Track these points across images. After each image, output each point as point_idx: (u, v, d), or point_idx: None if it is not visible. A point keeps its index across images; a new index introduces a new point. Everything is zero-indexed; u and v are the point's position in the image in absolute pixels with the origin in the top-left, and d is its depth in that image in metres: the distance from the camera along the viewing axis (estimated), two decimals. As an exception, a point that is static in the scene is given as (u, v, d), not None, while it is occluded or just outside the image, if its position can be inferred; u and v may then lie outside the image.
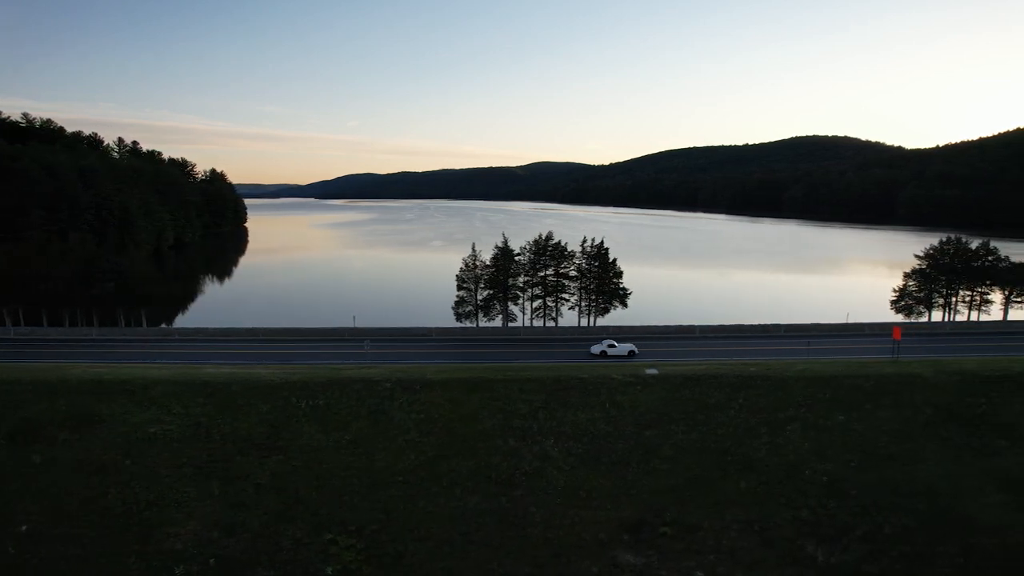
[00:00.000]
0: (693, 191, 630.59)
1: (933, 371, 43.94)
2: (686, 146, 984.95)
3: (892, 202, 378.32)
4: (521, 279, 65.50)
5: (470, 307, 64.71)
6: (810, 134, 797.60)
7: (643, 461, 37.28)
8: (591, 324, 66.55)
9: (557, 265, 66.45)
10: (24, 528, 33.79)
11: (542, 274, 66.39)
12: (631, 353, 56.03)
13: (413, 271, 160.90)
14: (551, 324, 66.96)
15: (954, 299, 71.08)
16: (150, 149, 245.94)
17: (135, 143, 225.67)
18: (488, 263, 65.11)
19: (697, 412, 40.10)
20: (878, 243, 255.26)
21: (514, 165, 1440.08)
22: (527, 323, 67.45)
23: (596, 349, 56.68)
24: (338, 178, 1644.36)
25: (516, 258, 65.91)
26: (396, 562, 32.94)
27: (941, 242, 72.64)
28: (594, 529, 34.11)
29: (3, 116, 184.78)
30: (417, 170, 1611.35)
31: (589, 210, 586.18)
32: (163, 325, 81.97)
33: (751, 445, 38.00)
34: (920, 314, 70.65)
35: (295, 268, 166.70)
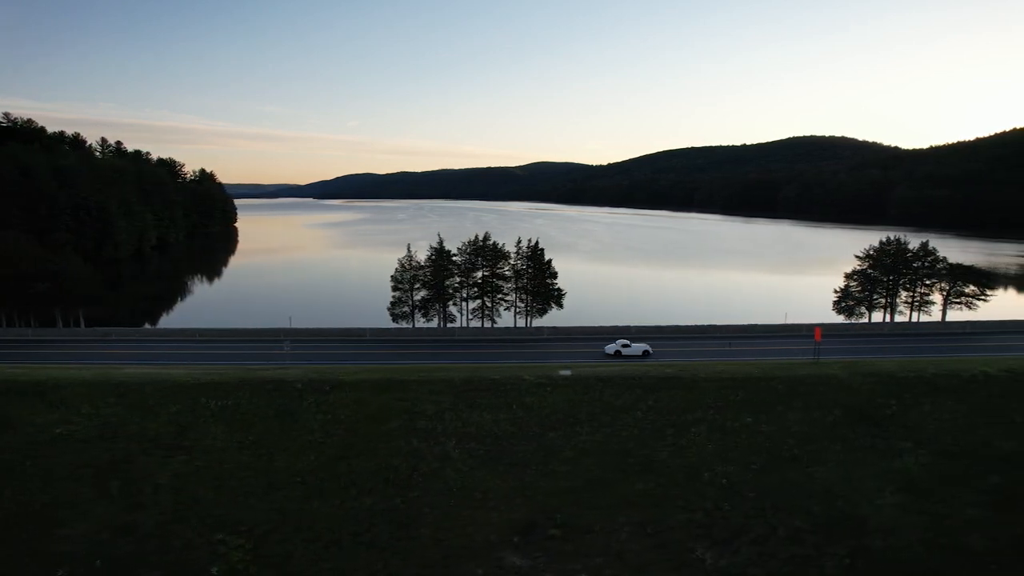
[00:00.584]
0: (690, 191, 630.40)
1: (849, 372, 43.79)
2: (686, 146, 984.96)
3: (884, 202, 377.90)
4: (456, 280, 65.35)
5: (406, 308, 64.64)
6: (808, 134, 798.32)
7: (543, 463, 37.15)
8: (528, 325, 66.45)
9: (492, 266, 66.35)
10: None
11: (477, 275, 66.29)
12: (645, 353, 55.61)
13: (381, 271, 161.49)
14: (489, 325, 66.82)
15: (895, 300, 70.82)
16: (136, 149, 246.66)
17: (119, 143, 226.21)
18: (423, 264, 65.05)
19: (604, 414, 39.99)
20: (861, 243, 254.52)
21: (513, 165, 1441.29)
22: (465, 324, 67.34)
23: (610, 349, 56.03)
24: (337, 178, 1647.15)
25: (452, 259, 65.82)
26: (284, 562, 32.81)
27: (882, 242, 72.37)
28: (485, 531, 33.98)
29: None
30: (416, 170, 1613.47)
31: (584, 210, 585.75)
32: (122, 327, 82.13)
33: (654, 447, 37.88)
34: (861, 315, 70.39)
35: (266, 269, 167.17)
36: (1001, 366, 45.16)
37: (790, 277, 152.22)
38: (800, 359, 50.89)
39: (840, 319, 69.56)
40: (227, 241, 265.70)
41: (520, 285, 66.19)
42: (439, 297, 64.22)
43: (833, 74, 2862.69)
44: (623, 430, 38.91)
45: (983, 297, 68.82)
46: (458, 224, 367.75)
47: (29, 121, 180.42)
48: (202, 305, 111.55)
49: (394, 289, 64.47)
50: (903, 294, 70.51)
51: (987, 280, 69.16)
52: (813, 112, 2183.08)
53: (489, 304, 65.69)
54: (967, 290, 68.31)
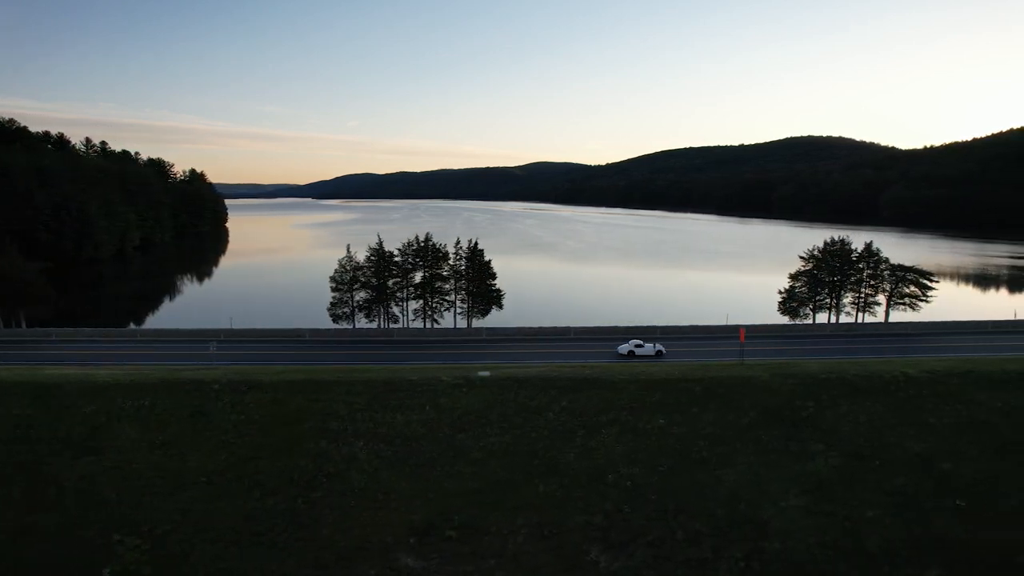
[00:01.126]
0: (687, 191, 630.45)
1: (771, 374, 43.66)
2: (685, 146, 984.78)
3: (878, 203, 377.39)
4: (392, 281, 65.24)
5: (346, 308, 64.61)
6: (806, 134, 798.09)
7: (449, 464, 37.09)
8: (468, 326, 66.37)
9: (431, 267, 66.29)
10: None
11: (417, 275, 66.25)
12: (659, 353, 55.47)
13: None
14: (431, 326, 66.71)
15: (839, 301, 70.57)
16: (124, 149, 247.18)
17: (104, 143, 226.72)
18: (362, 264, 65.00)
19: (516, 415, 39.91)
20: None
21: (512, 165, 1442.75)
22: (406, 325, 67.20)
23: (623, 349, 55.85)
24: (336, 178, 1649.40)
25: (393, 259, 65.76)
26: (181, 562, 32.78)
27: (826, 243, 72.12)
28: (383, 532, 33.92)
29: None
30: (416, 170, 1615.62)
31: (579, 210, 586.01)
32: (65, 327, 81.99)
33: (561, 448, 37.80)
34: (805, 316, 70.16)
35: (239, 270, 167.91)
36: (924, 367, 45.02)
37: (759, 277, 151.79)
38: (726, 361, 50.71)
39: (785, 319, 69.37)
40: (215, 241, 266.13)
41: (459, 286, 66.17)
42: (379, 298, 64.21)
43: (833, 74, 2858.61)
44: (533, 431, 38.82)
45: (924, 298, 68.63)
46: (449, 224, 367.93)
47: (11, 121, 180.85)
48: (161, 306, 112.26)
49: (334, 290, 64.44)
50: (849, 295, 70.31)
51: (929, 281, 68.88)
52: (813, 112, 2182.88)
53: (430, 305, 65.68)
54: (907, 290, 68.12)
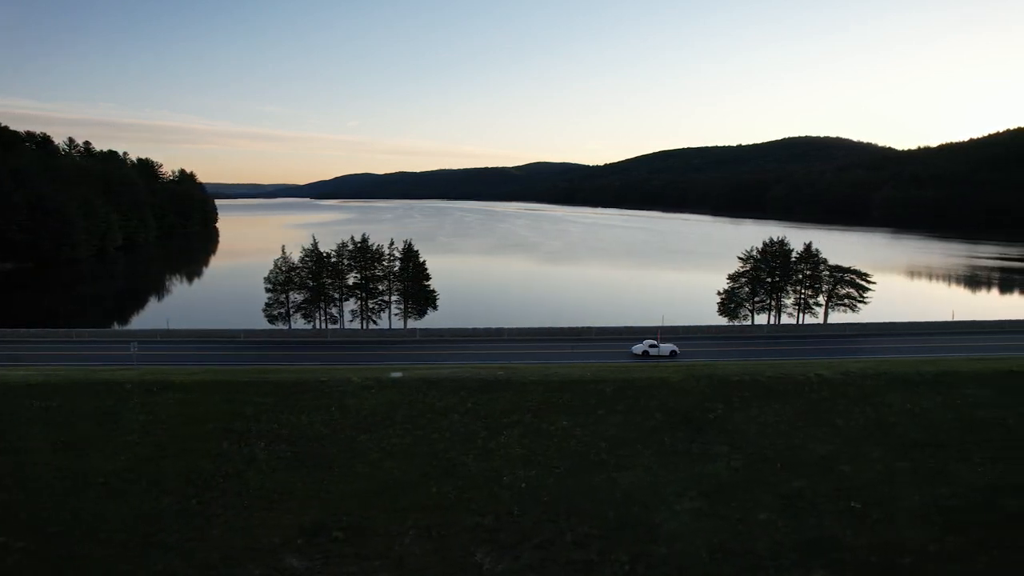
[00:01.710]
0: (682, 192, 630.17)
1: (684, 375, 43.56)
2: (685, 146, 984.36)
3: (870, 203, 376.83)
4: (327, 281, 65.11)
5: (281, 309, 64.56)
6: (803, 135, 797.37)
7: (347, 465, 37.06)
8: (404, 327, 66.28)
9: (365, 268, 66.19)
10: None
11: (349, 277, 66.17)
12: (672, 353, 55.32)
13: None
14: (370, 326, 66.55)
15: (779, 302, 70.33)
16: (111, 149, 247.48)
17: (87, 143, 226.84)
18: (296, 265, 64.92)
19: (421, 416, 39.88)
20: (832, 245, 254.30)
21: (511, 165, 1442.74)
22: (343, 325, 67.00)
23: (638, 349, 55.65)
24: (335, 178, 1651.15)
25: (329, 260, 65.64)
26: (65, 564, 32.69)
27: (765, 243, 71.88)
28: (273, 533, 33.85)
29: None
30: (415, 170, 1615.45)
31: (574, 210, 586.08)
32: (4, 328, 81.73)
33: (461, 450, 37.75)
34: (745, 317, 69.93)
35: (213, 270, 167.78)
36: (840, 369, 44.94)
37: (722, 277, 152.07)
38: (646, 362, 50.58)
39: (723, 320, 69.07)
40: (205, 241, 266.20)
41: (393, 287, 66.10)
42: (315, 299, 64.16)
43: (833, 74, 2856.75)
44: (435, 433, 38.78)
45: (861, 299, 68.38)
46: (438, 224, 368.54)
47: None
48: (121, 306, 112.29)
49: (268, 291, 64.38)
50: (792, 296, 70.10)
51: (866, 281, 68.58)
52: (812, 112, 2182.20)
53: (374, 305, 65.57)
54: (842, 292, 67.93)
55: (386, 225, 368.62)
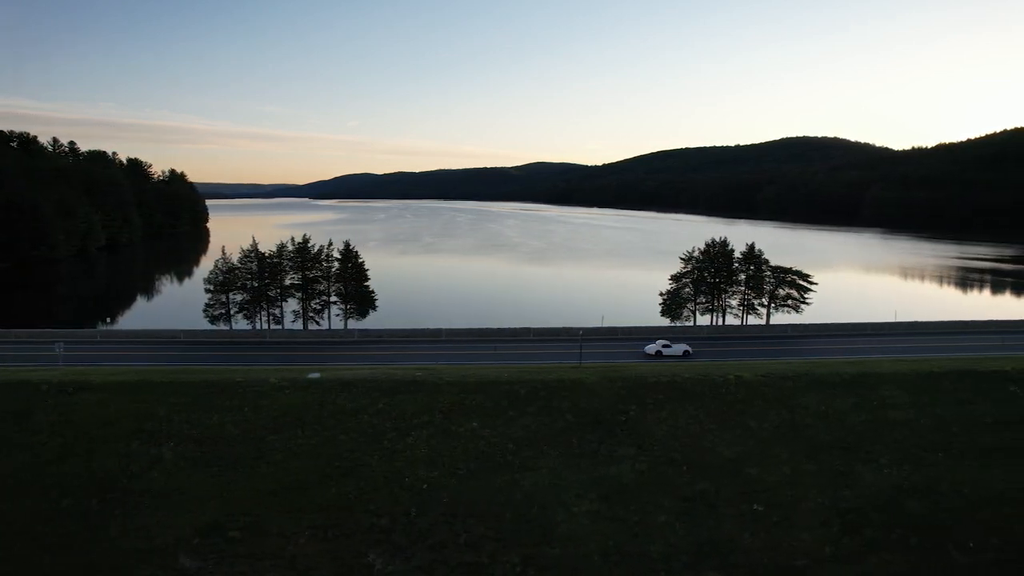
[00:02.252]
0: (678, 192, 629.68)
1: (600, 377, 43.52)
2: (684, 146, 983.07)
3: (861, 203, 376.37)
4: (266, 282, 65.10)
5: (222, 310, 64.54)
6: (802, 135, 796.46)
7: (252, 465, 37.07)
8: (344, 327, 66.28)
9: (304, 268, 66.16)
10: None
11: (292, 277, 66.15)
12: (686, 353, 55.54)
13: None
14: (313, 327, 66.54)
15: (723, 303, 70.20)
16: (100, 149, 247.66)
17: (72, 143, 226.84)
18: (237, 265, 64.88)
19: (331, 417, 39.89)
20: (817, 245, 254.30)
21: (509, 166, 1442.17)
22: (286, 326, 66.92)
23: (651, 349, 55.89)
24: (335, 178, 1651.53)
25: (269, 261, 65.61)
26: (-49, 567, 32.81)
27: (707, 244, 71.71)
28: (170, 532, 33.86)
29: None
30: (414, 170, 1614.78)
31: (568, 211, 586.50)
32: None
33: (366, 451, 37.75)
34: (687, 318, 69.79)
35: (194, 269, 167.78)
36: (761, 371, 44.85)
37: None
38: (564, 363, 50.40)
39: (665, 321, 68.96)
40: (191, 242, 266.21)
41: (331, 288, 66.07)
42: (256, 299, 64.14)
43: (833, 74, 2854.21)
44: (343, 434, 38.78)
45: (802, 300, 68.26)
46: (428, 224, 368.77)
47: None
48: (83, 307, 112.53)
49: (209, 291, 64.34)
50: (737, 297, 69.93)
51: (807, 283, 68.38)
52: (812, 112, 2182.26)
53: (308, 307, 65.53)
54: (783, 292, 67.81)
55: (376, 225, 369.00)
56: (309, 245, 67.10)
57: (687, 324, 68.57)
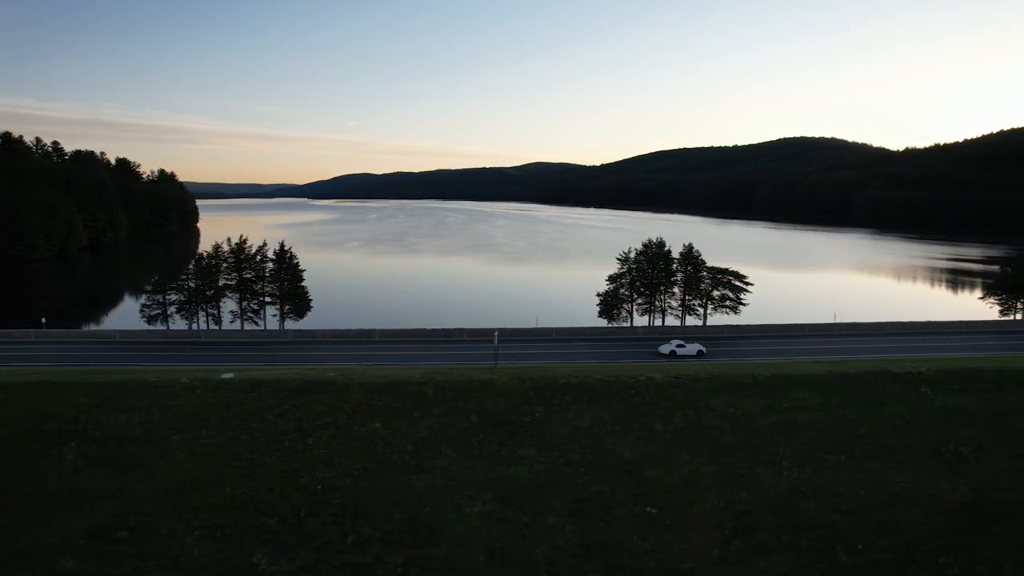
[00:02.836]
0: (674, 192, 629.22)
1: (511, 378, 43.59)
2: (683, 147, 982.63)
3: (853, 204, 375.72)
4: (200, 282, 65.29)
5: (158, 310, 64.72)
6: (801, 135, 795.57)
7: (151, 465, 37.15)
8: (281, 327, 66.42)
9: (240, 269, 66.33)
10: None
11: (224, 278, 66.38)
12: (700, 353, 56.03)
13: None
14: (252, 327, 66.73)
15: (663, 303, 70.12)
16: (89, 149, 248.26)
17: (56, 143, 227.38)
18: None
19: (236, 417, 40.00)
20: (806, 246, 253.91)
21: (509, 166, 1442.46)
22: (222, 326, 67.01)
23: (665, 349, 56.52)
24: (334, 178, 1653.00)
25: (202, 261, 65.81)
26: None
27: (644, 244, 71.63)
28: (58, 534, 33.89)
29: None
30: (413, 170, 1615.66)
31: (562, 211, 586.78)
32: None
33: (266, 451, 37.83)
34: (624, 319, 69.72)
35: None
36: (674, 371, 44.87)
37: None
38: (479, 365, 50.43)
39: (602, 322, 68.89)
40: (180, 242, 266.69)
41: (266, 288, 66.26)
42: (191, 299, 64.35)
43: (833, 74, 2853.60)
44: (245, 434, 38.87)
45: (737, 300, 68.19)
46: (417, 224, 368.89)
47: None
48: (43, 306, 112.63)
49: (147, 291, 64.48)
50: (677, 297, 69.84)
51: (743, 283, 68.33)
52: (812, 112, 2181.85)
53: (245, 307, 65.72)
54: (717, 293, 67.80)
55: (366, 225, 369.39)
56: (246, 246, 67.25)
57: (624, 325, 68.62)
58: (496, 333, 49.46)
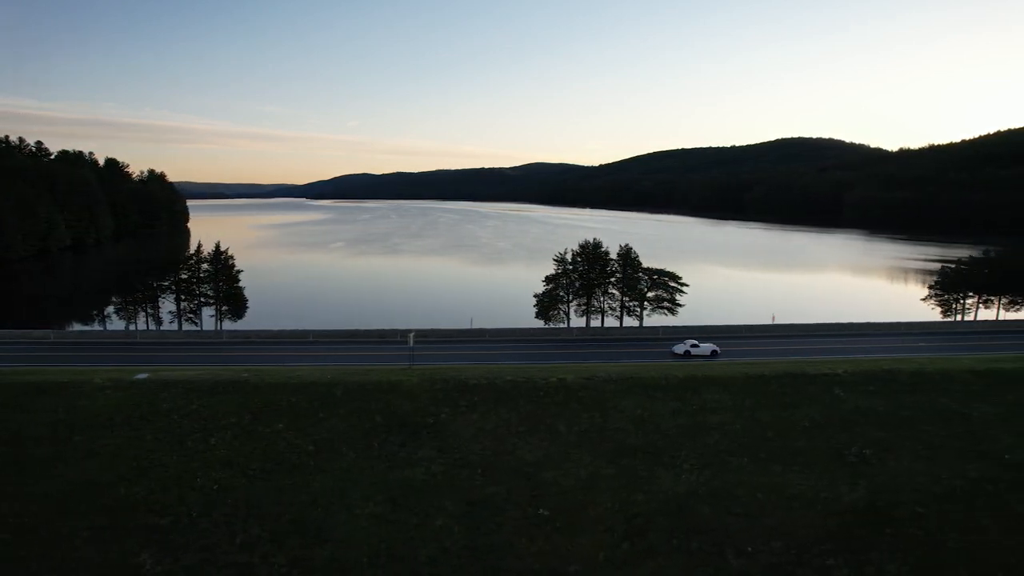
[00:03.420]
0: (670, 192, 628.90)
1: (422, 379, 43.65)
2: (682, 147, 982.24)
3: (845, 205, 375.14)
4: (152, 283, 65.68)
5: (94, 310, 65.02)
6: (800, 136, 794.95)
7: (48, 466, 37.12)
8: (218, 328, 66.63)
9: (176, 270, 66.60)
10: None
11: (166, 279, 66.78)
12: (713, 353, 56.32)
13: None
14: (191, 327, 67.08)
15: (600, 304, 70.04)
16: (67, 149, 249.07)
17: (39, 142, 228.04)
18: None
19: (142, 418, 40.14)
20: (798, 246, 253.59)
21: (507, 166, 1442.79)
22: (161, 326, 67.20)
23: (679, 349, 56.93)
24: (334, 178, 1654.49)
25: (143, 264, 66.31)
26: None
27: (581, 245, 71.57)
28: (-50, 535, 34.03)
29: None
30: (413, 170, 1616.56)
31: (558, 211, 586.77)
32: None
33: (167, 451, 37.89)
34: (560, 319, 69.68)
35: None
36: (587, 373, 44.85)
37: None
38: (396, 366, 50.47)
39: (539, 323, 68.89)
40: (168, 242, 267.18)
41: (199, 288, 66.46)
42: (132, 300, 64.58)
43: (832, 74, 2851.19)
44: (148, 434, 38.93)
45: (673, 301, 68.16)
46: (407, 225, 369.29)
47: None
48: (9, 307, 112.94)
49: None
50: (616, 298, 69.80)
51: (678, 284, 68.31)
52: (812, 113, 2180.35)
53: (188, 307, 66.02)
54: (651, 295, 67.74)
55: (357, 225, 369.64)
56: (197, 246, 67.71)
57: (560, 326, 68.64)
58: (412, 334, 49.44)
